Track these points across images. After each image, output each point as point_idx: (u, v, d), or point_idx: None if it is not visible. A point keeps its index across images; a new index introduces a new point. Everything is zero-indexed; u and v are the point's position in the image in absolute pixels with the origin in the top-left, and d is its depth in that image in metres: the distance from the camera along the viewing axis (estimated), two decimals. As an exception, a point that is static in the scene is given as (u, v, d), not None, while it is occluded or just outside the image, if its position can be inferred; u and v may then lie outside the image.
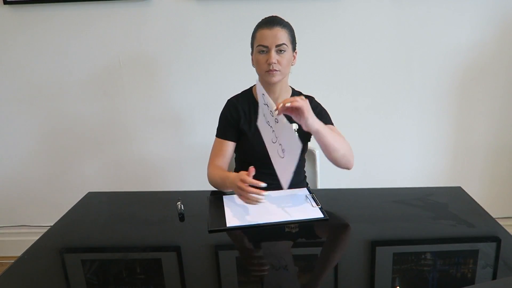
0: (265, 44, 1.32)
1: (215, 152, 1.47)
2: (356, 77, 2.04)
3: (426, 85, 2.05)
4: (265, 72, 1.35)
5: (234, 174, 1.22)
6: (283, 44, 1.32)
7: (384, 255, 1.03)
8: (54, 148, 2.18)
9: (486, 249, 1.02)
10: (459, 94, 2.07)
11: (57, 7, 1.94)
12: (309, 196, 1.30)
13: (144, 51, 2.02)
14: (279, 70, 1.34)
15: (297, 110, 1.11)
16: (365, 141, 2.14)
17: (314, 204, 1.25)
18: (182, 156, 2.18)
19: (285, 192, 1.33)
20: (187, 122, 2.13)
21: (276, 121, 1.11)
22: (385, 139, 2.14)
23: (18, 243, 1.76)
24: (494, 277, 0.93)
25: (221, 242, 1.11)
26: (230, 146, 1.46)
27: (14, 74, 2.06)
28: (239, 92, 1.53)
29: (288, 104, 1.08)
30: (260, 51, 1.34)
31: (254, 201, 1.15)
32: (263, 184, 1.12)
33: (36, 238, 1.14)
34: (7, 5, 1.94)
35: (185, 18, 1.96)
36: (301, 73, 2.03)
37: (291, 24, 1.40)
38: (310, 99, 1.48)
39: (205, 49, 2.01)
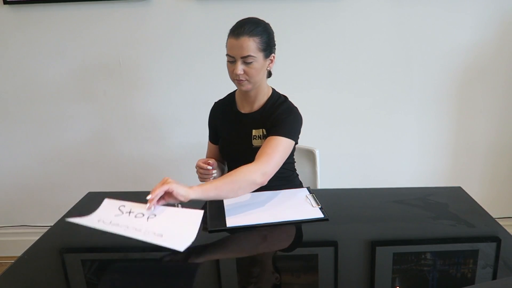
0: (231, 54, 1.30)
1: (207, 152, 1.63)
2: (356, 77, 2.04)
3: (426, 85, 2.05)
4: (234, 80, 1.34)
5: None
6: (249, 55, 1.27)
7: (384, 255, 1.03)
8: (54, 148, 2.18)
9: (486, 249, 1.02)
10: (459, 94, 2.07)
11: (57, 7, 1.94)
12: (309, 196, 1.30)
13: (144, 51, 2.02)
14: (247, 80, 1.32)
15: (169, 193, 1.10)
16: (365, 141, 2.14)
17: (314, 204, 1.25)
18: (182, 156, 2.18)
19: (285, 192, 1.33)
20: (187, 122, 2.13)
21: (153, 216, 1.09)
22: (385, 139, 2.14)
23: (18, 243, 1.76)
24: (494, 277, 0.93)
25: (221, 242, 1.11)
26: (215, 148, 1.58)
27: (14, 74, 2.06)
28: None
29: (158, 191, 1.08)
30: (229, 60, 1.32)
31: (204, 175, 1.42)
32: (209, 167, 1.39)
33: (36, 238, 1.14)
34: (7, 5, 1.94)
35: (185, 18, 1.96)
36: (301, 73, 2.04)
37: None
38: (281, 102, 1.42)
39: (205, 49, 2.01)
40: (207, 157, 1.61)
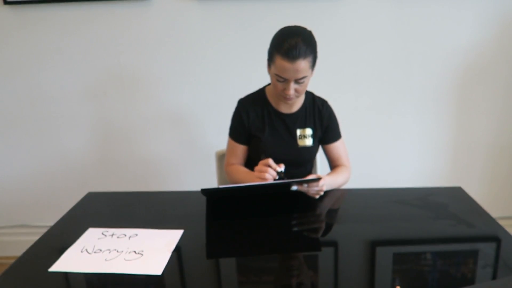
0: (285, 77, 1.25)
1: (231, 152, 1.50)
2: (356, 77, 2.04)
3: (426, 85, 2.05)
4: (282, 97, 1.32)
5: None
6: (304, 76, 1.26)
7: (384, 255, 1.03)
8: (54, 148, 2.18)
9: (486, 249, 1.03)
10: (459, 93, 2.07)
11: (57, 7, 1.94)
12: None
13: (144, 51, 2.02)
14: (296, 96, 1.32)
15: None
16: (365, 141, 2.14)
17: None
18: (182, 156, 2.18)
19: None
20: (187, 122, 2.13)
21: (135, 235, 1.15)
22: (385, 139, 2.14)
23: (18, 243, 1.76)
24: (494, 277, 0.93)
25: (221, 241, 1.11)
26: (243, 149, 1.48)
27: (14, 74, 2.06)
28: (241, 92, 1.51)
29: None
30: (278, 80, 1.27)
31: (269, 175, 1.23)
32: (280, 168, 1.25)
33: (36, 238, 1.14)
34: (7, 5, 1.94)
35: (185, 18, 1.96)
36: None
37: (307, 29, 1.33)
38: (323, 103, 1.48)
39: (205, 49, 2.01)
40: (231, 160, 1.50)
